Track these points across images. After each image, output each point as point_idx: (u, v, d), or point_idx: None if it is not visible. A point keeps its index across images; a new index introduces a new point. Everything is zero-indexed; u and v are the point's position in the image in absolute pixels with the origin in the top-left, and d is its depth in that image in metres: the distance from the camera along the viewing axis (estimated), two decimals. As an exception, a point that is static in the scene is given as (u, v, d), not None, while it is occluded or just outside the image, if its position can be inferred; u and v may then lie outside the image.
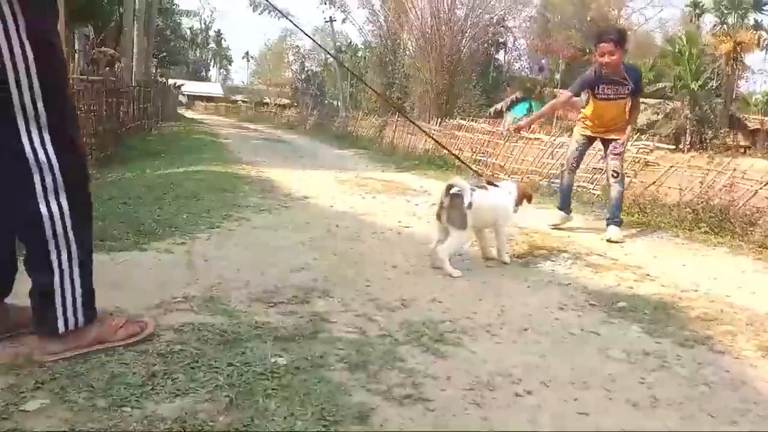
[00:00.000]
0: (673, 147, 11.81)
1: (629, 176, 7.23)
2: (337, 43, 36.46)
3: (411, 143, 14.45)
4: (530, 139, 10.31)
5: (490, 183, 4.23)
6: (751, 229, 5.50)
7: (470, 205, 3.70)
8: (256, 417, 1.81)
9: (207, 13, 77.52)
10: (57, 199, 2.03)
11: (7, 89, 1.93)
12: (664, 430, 2.01)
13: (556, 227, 5.56)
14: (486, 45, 26.40)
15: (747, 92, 41.68)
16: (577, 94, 5.41)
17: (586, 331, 2.87)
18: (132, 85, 15.20)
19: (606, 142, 5.45)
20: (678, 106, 30.21)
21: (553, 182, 8.70)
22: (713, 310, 3.31)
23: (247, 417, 1.80)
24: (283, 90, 49.52)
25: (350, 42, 46.16)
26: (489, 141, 11.42)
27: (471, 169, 5.54)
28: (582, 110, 5.65)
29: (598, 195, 7.77)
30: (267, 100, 47.54)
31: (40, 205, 2.00)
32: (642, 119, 26.98)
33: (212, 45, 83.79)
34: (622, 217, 5.42)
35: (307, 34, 5.34)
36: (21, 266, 2.18)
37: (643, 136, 10.99)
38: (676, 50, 31.40)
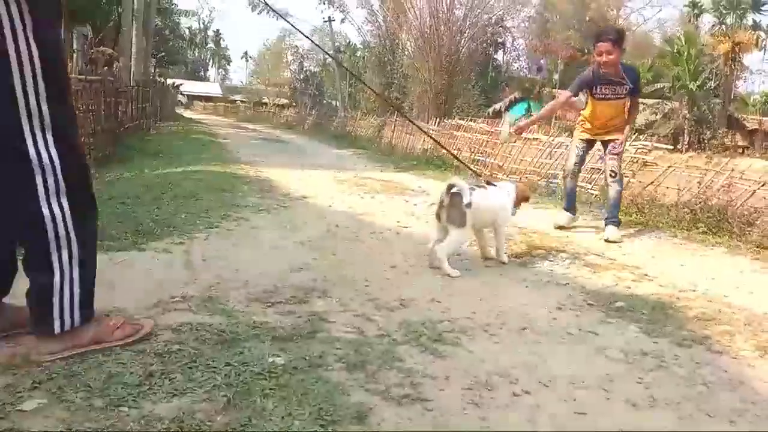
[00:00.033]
0: (672, 147, 11.83)
1: (627, 176, 7.23)
2: (336, 43, 36.47)
3: (410, 143, 14.46)
4: (529, 139, 10.31)
5: (488, 183, 4.23)
6: (749, 229, 5.51)
7: (469, 204, 3.71)
8: (254, 417, 1.81)
9: (206, 12, 77.56)
10: (58, 200, 2.02)
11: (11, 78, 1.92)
12: (662, 430, 2.01)
13: (561, 228, 5.57)
14: (485, 45, 26.41)
15: (745, 92, 41.73)
16: (576, 94, 5.41)
17: (584, 330, 2.87)
18: (130, 85, 15.17)
19: (605, 143, 5.45)
20: (676, 106, 30.23)
21: (551, 182, 8.71)
22: (711, 310, 3.31)
23: (244, 417, 1.80)
24: (281, 90, 49.53)
25: (349, 42, 46.19)
26: (487, 141, 11.42)
27: (470, 169, 5.54)
28: (581, 112, 5.66)
29: (596, 195, 7.78)
30: (266, 100, 47.54)
31: (42, 206, 1.99)
32: (640, 119, 26.97)
33: (211, 45, 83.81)
34: (620, 217, 5.42)
35: (305, 35, 5.34)
36: (19, 266, 2.17)
37: (641, 136, 11.01)
38: (675, 50, 31.43)
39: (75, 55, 14.53)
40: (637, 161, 8.07)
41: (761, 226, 5.47)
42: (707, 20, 45.01)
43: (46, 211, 2.00)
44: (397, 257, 4.07)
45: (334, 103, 39.59)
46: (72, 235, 2.05)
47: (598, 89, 5.26)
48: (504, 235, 4.16)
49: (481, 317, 2.94)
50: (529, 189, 4.52)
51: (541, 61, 38.22)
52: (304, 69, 49.56)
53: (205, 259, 3.58)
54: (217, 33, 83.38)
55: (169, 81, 30.64)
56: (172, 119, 25.59)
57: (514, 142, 10.39)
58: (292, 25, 4.90)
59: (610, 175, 5.38)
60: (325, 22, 34.97)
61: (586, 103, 5.51)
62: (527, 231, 5.19)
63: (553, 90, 30.17)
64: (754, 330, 3.02)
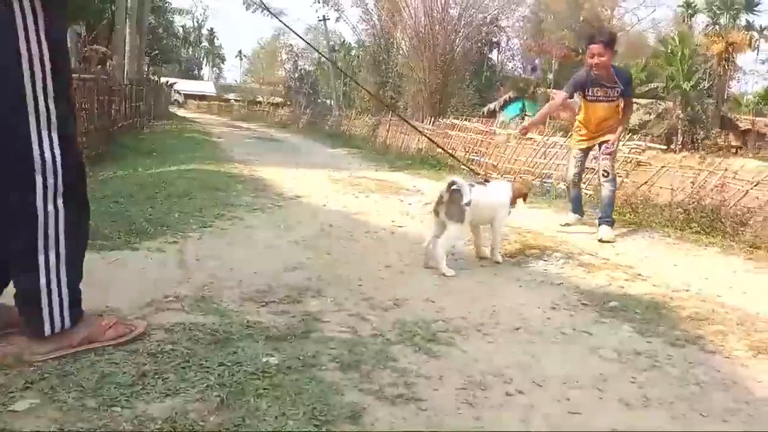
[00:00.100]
0: (665, 147, 11.85)
1: (621, 176, 7.25)
2: (331, 42, 36.42)
3: (404, 143, 14.46)
4: (523, 139, 10.33)
5: (486, 181, 4.25)
6: (742, 229, 5.53)
7: (469, 203, 3.73)
8: (247, 417, 1.80)
9: (200, 11, 77.39)
10: (55, 200, 2.01)
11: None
12: (656, 429, 2.01)
13: (567, 225, 5.66)
14: (479, 44, 26.40)
15: (738, 93, 41.83)
16: (571, 95, 5.46)
17: (578, 330, 2.88)
18: (124, 84, 15.12)
19: (600, 145, 5.47)
20: (670, 106, 30.31)
21: (545, 182, 8.73)
22: (704, 309, 3.32)
23: (238, 417, 1.79)
24: (276, 89, 49.41)
25: (344, 41, 46.16)
26: (482, 141, 11.44)
27: (467, 167, 5.56)
28: (576, 117, 5.70)
29: (590, 195, 7.79)
30: (260, 98, 47.43)
31: (38, 206, 1.98)
32: (634, 119, 27.01)
33: (205, 43, 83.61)
34: (614, 216, 5.44)
35: (299, 35, 5.32)
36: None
37: (635, 136, 11.04)
38: (669, 50, 31.52)
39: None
40: (630, 161, 8.09)
41: (754, 226, 5.49)
42: (701, 20, 45.23)
43: (41, 210, 1.99)
44: (392, 257, 4.07)
45: (328, 102, 39.56)
46: (61, 236, 2.04)
47: (590, 91, 5.30)
48: (500, 233, 4.17)
49: (475, 317, 2.94)
50: (526, 186, 4.54)
51: (536, 61, 38.30)
52: (299, 68, 49.42)
53: (198, 259, 3.57)
54: (211, 31, 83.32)
55: (163, 79, 30.54)
56: (166, 118, 25.51)
57: (509, 142, 10.44)
58: (285, 25, 4.87)
59: (603, 174, 5.40)
60: (320, 20, 34.94)
61: (580, 107, 5.54)
62: (521, 230, 5.19)
63: (548, 90, 30.23)
64: (747, 330, 3.03)
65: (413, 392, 2.08)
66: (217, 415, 1.80)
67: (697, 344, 2.79)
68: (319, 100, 43.71)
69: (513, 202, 4.22)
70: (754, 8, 44.03)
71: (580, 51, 30.65)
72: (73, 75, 8.46)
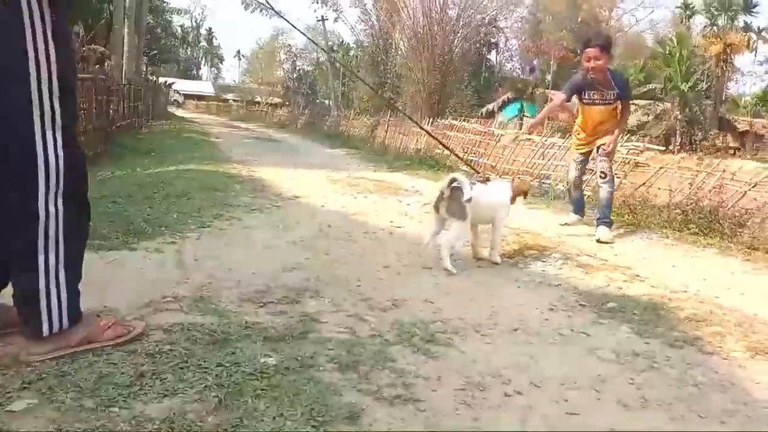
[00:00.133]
0: (663, 148, 11.85)
1: (619, 177, 7.26)
2: (329, 43, 36.40)
3: (403, 143, 14.46)
4: (521, 139, 10.36)
5: (486, 180, 4.27)
6: (740, 230, 5.54)
7: (470, 199, 3.75)
8: (246, 417, 1.80)
9: (198, 11, 77.33)
10: (56, 200, 2.01)
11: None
12: (654, 430, 2.02)
13: (566, 225, 5.74)
14: (478, 45, 26.43)
15: (736, 94, 41.92)
16: (569, 98, 5.49)
17: (576, 331, 2.88)
18: (122, 83, 15.10)
19: (598, 148, 5.48)
20: (668, 107, 30.34)
21: (543, 183, 8.74)
22: (702, 311, 3.32)
23: (236, 417, 1.79)
24: (274, 89, 49.36)
25: (342, 41, 46.09)
26: (480, 141, 11.44)
27: (468, 165, 5.57)
28: (575, 121, 5.75)
29: (588, 196, 7.79)
30: (258, 99, 47.39)
31: (39, 206, 1.98)
32: (632, 120, 27.03)
33: (203, 43, 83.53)
34: (612, 217, 5.45)
35: (304, 34, 5.32)
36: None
37: (633, 137, 11.05)
38: (667, 52, 31.53)
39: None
40: (628, 162, 8.10)
41: (752, 228, 5.50)
42: (699, 22, 45.27)
43: (42, 210, 1.98)
44: (390, 257, 4.07)
45: (326, 102, 39.53)
46: (61, 236, 2.03)
47: (587, 94, 5.34)
48: (500, 233, 4.18)
49: (474, 318, 2.94)
50: (526, 184, 4.58)
51: (534, 62, 38.28)
52: (297, 68, 49.42)
53: (197, 259, 3.57)
54: (210, 31, 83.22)
55: (161, 79, 30.51)
56: (164, 118, 25.51)
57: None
58: (291, 24, 4.87)
59: (601, 176, 5.43)
60: (318, 21, 34.92)
61: (578, 110, 5.58)
62: (520, 231, 5.19)
63: (546, 90, 30.24)
64: (745, 331, 3.03)
65: (411, 393, 2.08)
66: (215, 416, 1.80)
67: (695, 345, 2.79)
68: (317, 101, 43.68)
69: (514, 200, 4.23)
70: (752, 10, 44.12)
71: (579, 52, 30.69)
72: (72, 75, 8.53)
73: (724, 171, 6.85)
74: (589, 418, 2.04)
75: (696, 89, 31.03)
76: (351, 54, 41.46)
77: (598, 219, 5.37)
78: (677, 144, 27.39)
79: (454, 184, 3.80)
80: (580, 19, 40.88)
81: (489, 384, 2.22)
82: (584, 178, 6.12)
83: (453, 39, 19.92)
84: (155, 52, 38.83)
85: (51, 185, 1.99)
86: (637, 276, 4.05)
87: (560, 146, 9.28)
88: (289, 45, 49.87)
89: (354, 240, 4.53)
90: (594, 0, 42.72)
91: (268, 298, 2.93)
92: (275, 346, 2.35)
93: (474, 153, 11.29)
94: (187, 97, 57.30)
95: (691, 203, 6.30)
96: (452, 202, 3.81)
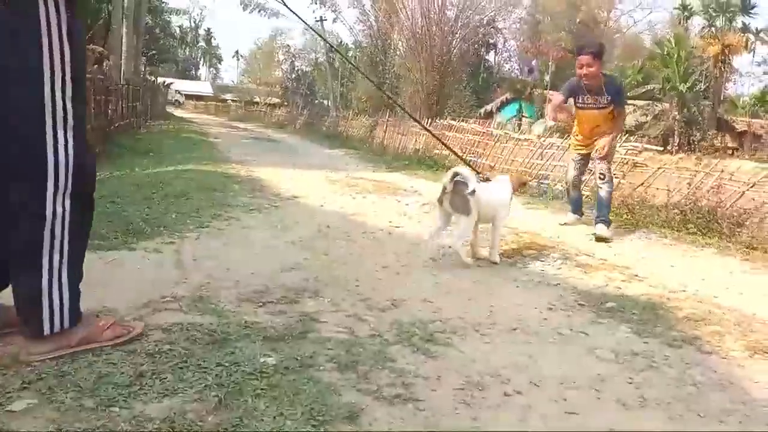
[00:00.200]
0: (662, 148, 11.85)
1: (617, 177, 7.27)
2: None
3: (401, 143, 14.47)
4: (520, 140, 10.38)
5: (486, 179, 4.29)
6: (738, 230, 5.55)
7: (473, 192, 3.81)
8: (245, 417, 1.80)
9: (197, 11, 77.27)
10: (63, 200, 2.01)
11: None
12: (653, 430, 2.02)
13: (565, 225, 5.80)
14: (476, 46, 26.43)
15: (735, 94, 41.86)
16: (566, 100, 5.57)
17: (575, 331, 2.88)
18: (121, 83, 15.10)
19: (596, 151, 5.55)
20: (666, 107, 30.33)
21: (542, 183, 8.75)
22: (701, 310, 3.33)
23: (236, 417, 1.79)
24: (273, 89, 49.36)
25: (341, 42, 46.05)
26: (479, 141, 11.45)
27: (467, 165, 5.57)
28: (574, 122, 5.81)
29: (587, 196, 7.80)
30: (257, 99, 47.39)
31: (47, 206, 1.97)
32: (631, 121, 27.03)
33: (202, 43, 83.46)
34: (610, 217, 5.49)
35: (318, 33, 5.30)
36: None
37: (631, 138, 11.05)
38: (665, 52, 31.51)
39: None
40: (627, 162, 8.11)
41: (750, 227, 5.51)
42: (697, 22, 45.21)
43: (49, 210, 1.98)
44: (389, 257, 4.07)
45: (325, 102, 39.52)
46: (66, 236, 2.03)
47: (581, 99, 5.45)
48: (500, 233, 4.20)
49: (473, 317, 2.94)
50: (524, 176, 4.66)
51: (533, 63, 38.32)
52: (296, 68, 49.42)
53: (195, 259, 3.57)
54: (208, 32, 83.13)
55: (160, 79, 30.49)
56: (163, 118, 25.49)
57: (506, 142, 10.48)
58: (304, 21, 4.84)
59: (600, 177, 5.51)
60: (317, 21, 34.90)
61: (574, 114, 5.66)
62: (519, 231, 5.20)
63: (545, 91, 30.24)
64: (743, 330, 3.04)
65: (411, 392, 2.08)
66: (215, 415, 1.80)
67: (694, 345, 2.80)
68: (316, 101, 43.66)
69: (515, 191, 4.31)
70: (750, 11, 44.13)
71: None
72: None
73: (722, 171, 6.86)
74: (588, 418, 2.04)
75: (694, 90, 31.02)
76: (350, 54, 41.44)
77: (596, 218, 5.41)
78: (675, 144, 27.38)
79: (457, 178, 3.84)
80: (578, 20, 40.91)
81: (488, 383, 2.22)
82: (583, 178, 6.14)
83: (451, 40, 19.89)
84: (154, 52, 38.81)
85: (60, 185, 1.99)
86: (636, 276, 4.05)
87: (559, 146, 9.30)
88: (288, 45, 49.93)
89: (353, 240, 4.53)
90: (592, 1, 42.74)
91: (267, 298, 2.94)
92: (274, 345, 2.35)
93: (473, 153, 11.30)
94: (186, 97, 57.30)
95: (690, 203, 6.31)
96: (456, 196, 3.86)
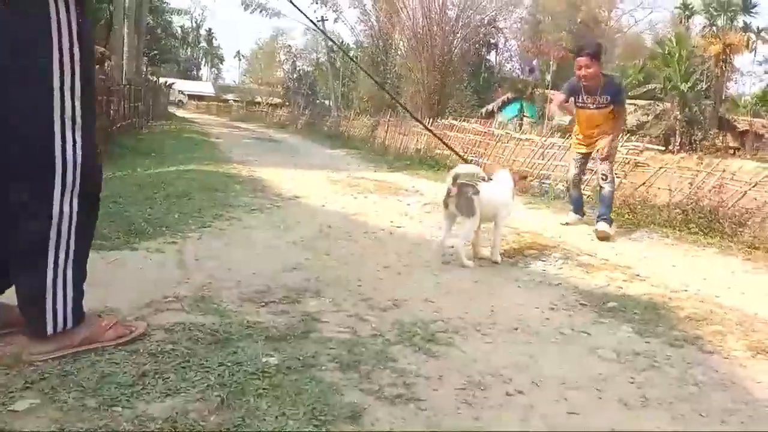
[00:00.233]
0: (663, 148, 11.85)
1: (619, 177, 7.27)
2: (329, 43, 36.41)
3: (403, 143, 14.46)
4: (521, 139, 10.38)
5: (487, 178, 4.31)
6: (740, 229, 5.54)
7: (477, 192, 3.88)
8: (248, 417, 1.80)
9: (198, 11, 77.32)
10: (70, 199, 2.01)
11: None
12: (655, 429, 2.02)
13: (567, 225, 5.82)
14: (477, 46, 26.37)
15: (736, 94, 41.83)
16: (567, 99, 5.60)
17: (576, 331, 2.88)
18: (122, 84, 15.10)
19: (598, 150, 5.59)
20: (668, 107, 30.31)
21: (543, 182, 8.74)
22: (703, 310, 3.33)
23: (238, 417, 1.80)
24: (274, 89, 49.33)
25: (342, 42, 46.04)
26: (480, 141, 11.44)
27: (467, 162, 5.58)
28: (575, 121, 5.84)
29: (588, 196, 7.80)
30: (258, 99, 47.39)
31: (54, 205, 1.98)
32: (632, 120, 27.05)
33: (203, 44, 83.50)
34: (612, 217, 5.52)
35: (323, 32, 5.30)
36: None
37: (633, 137, 11.05)
38: (666, 52, 31.48)
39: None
40: (628, 162, 8.10)
41: (752, 227, 5.51)
42: (698, 22, 45.18)
43: (56, 209, 1.98)
44: (391, 257, 4.07)
45: (327, 102, 39.49)
46: (72, 235, 2.03)
47: (581, 98, 5.49)
48: (501, 232, 4.22)
49: (474, 317, 2.94)
50: (522, 170, 4.72)
51: (534, 63, 38.27)
52: (297, 68, 49.39)
53: (197, 259, 3.57)
54: (210, 32, 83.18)
55: (161, 80, 30.50)
56: (165, 118, 25.51)
57: (507, 142, 10.49)
58: (313, 22, 4.86)
59: (602, 178, 5.58)
60: (318, 21, 34.91)
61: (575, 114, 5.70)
62: (520, 231, 5.20)
63: (546, 91, 30.22)
64: (745, 330, 3.04)
65: (413, 392, 2.08)
66: (218, 415, 1.80)
67: (696, 344, 2.80)
68: (317, 101, 43.63)
69: (516, 185, 4.35)
70: (751, 10, 44.09)
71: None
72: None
73: (724, 171, 6.85)
74: (589, 418, 2.04)
75: (695, 89, 30.99)
76: (351, 54, 41.39)
77: (598, 216, 5.44)
78: (677, 144, 27.37)
79: (461, 180, 3.90)
80: (579, 20, 40.89)
81: (490, 383, 2.22)
82: (584, 177, 6.15)
83: (452, 39, 19.89)
84: (155, 52, 38.83)
85: (67, 184, 1.99)
86: (638, 275, 4.05)
87: (560, 146, 9.29)
88: (289, 45, 49.89)
89: (354, 240, 4.54)
90: (593, 1, 42.71)
91: (269, 298, 2.94)
92: (277, 345, 2.36)
93: (474, 153, 11.29)
94: (188, 97, 57.33)
95: (691, 203, 6.30)
96: (460, 198, 3.88)
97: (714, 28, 41.51)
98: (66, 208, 2.00)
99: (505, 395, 2.14)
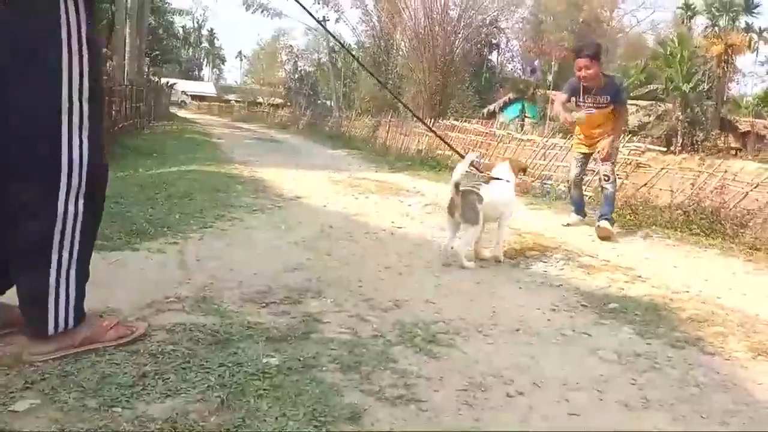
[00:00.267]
0: (665, 149, 11.83)
1: (621, 178, 7.27)
2: (331, 43, 36.43)
3: (404, 144, 14.46)
4: (522, 140, 10.38)
5: (489, 178, 4.34)
6: (741, 230, 5.54)
7: (481, 199, 3.93)
8: (248, 417, 1.80)
9: (200, 12, 77.39)
10: (76, 200, 2.01)
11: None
12: (656, 430, 2.02)
13: (568, 226, 5.83)
14: (479, 46, 26.42)
15: (738, 94, 41.76)
16: (568, 99, 5.60)
17: (577, 332, 2.88)
18: (124, 84, 15.12)
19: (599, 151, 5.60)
20: (669, 108, 30.28)
21: (545, 183, 8.74)
22: (704, 311, 3.32)
23: (238, 417, 1.79)
24: (276, 90, 49.39)
25: (344, 42, 46.09)
26: (482, 142, 11.44)
27: (471, 165, 5.59)
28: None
29: (589, 197, 7.80)
30: (260, 99, 47.44)
31: (59, 204, 1.98)
32: (634, 121, 27.03)
33: (205, 44, 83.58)
34: (613, 217, 5.53)
35: (329, 32, 5.32)
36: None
37: (634, 138, 11.05)
38: (668, 52, 31.46)
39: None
40: (630, 163, 8.10)
41: (754, 228, 5.50)
42: (700, 22, 45.12)
43: (61, 209, 1.98)
44: (392, 258, 4.07)
45: (328, 103, 39.51)
46: (77, 236, 2.03)
47: (581, 98, 5.49)
48: (505, 230, 4.28)
49: (475, 318, 2.94)
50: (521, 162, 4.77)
51: (535, 63, 38.31)
52: (299, 69, 49.44)
53: (199, 260, 3.57)
54: (211, 32, 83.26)
55: (163, 80, 30.53)
56: (166, 119, 25.54)
57: (508, 143, 10.48)
58: (320, 23, 4.88)
59: (604, 179, 5.59)
60: (320, 22, 34.88)
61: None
62: (521, 232, 5.19)
63: (547, 91, 30.22)
64: (746, 331, 3.03)
65: (413, 393, 2.08)
66: (218, 416, 1.80)
67: (697, 346, 2.79)
68: (319, 101, 43.66)
69: (517, 175, 4.42)
70: (753, 10, 44.02)
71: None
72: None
73: (725, 172, 6.84)
74: (590, 419, 2.04)
75: (697, 90, 30.97)
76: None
77: (600, 216, 5.45)
78: (679, 145, 27.34)
79: (464, 188, 3.93)
80: (581, 20, 40.87)
81: (491, 384, 2.22)
82: (585, 178, 6.15)
83: (454, 40, 19.90)
84: (157, 52, 38.83)
85: (73, 185, 1.99)
86: (639, 276, 4.05)
87: (561, 147, 9.29)
88: (291, 46, 49.97)
89: (355, 240, 4.54)
90: (595, 1, 42.68)
91: (270, 299, 2.94)
92: (277, 346, 2.36)
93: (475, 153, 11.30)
94: (190, 98, 57.40)
95: (693, 204, 6.30)
96: (465, 207, 3.91)
97: (716, 28, 41.45)
98: (71, 208, 2.01)
99: (506, 396, 2.14)
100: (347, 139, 18.90)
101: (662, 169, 7.59)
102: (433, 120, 14.71)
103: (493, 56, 41.24)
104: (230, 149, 13.13)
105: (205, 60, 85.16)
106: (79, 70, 1.95)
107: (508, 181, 4.29)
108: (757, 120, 31.51)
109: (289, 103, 42.41)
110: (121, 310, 2.56)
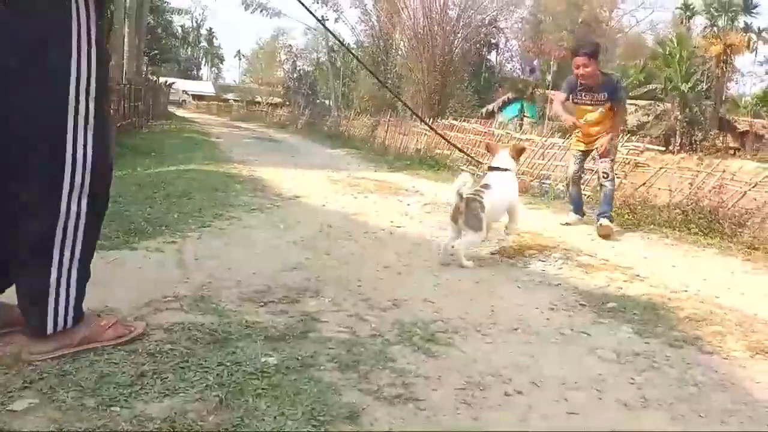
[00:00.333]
0: (663, 148, 11.84)
1: (619, 177, 7.28)
2: (330, 43, 36.42)
3: (403, 143, 14.46)
4: (521, 139, 10.37)
5: (489, 168, 4.43)
6: (740, 230, 5.54)
7: (484, 207, 3.96)
8: (246, 417, 1.80)
9: (198, 11, 77.32)
10: (79, 199, 2.01)
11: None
12: (654, 430, 2.02)
13: (567, 225, 5.84)
14: (478, 46, 26.41)
15: (737, 94, 41.71)
16: (568, 97, 5.63)
17: (576, 331, 2.88)
18: (122, 83, 15.11)
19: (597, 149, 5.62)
20: (668, 107, 30.29)
21: (543, 183, 8.74)
22: (702, 310, 3.32)
23: (236, 417, 1.79)
24: (274, 89, 49.33)
25: (343, 41, 46.05)
26: (481, 141, 11.43)
27: (471, 158, 5.61)
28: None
29: (588, 196, 7.80)
30: (259, 99, 47.41)
31: (62, 203, 1.98)
32: (632, 120, 27.05)
33: (204, 43, 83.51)
34: (612, 215, 5.54)
35: (330, 31, 5.31)
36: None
37: (633, 138, 11.05)
38: (667, 52, 31.46)
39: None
40: (629, 162, 8.10)
41: (752, 228, 5.51)
42: (699, 22, 45.09)
43: (64, 208, 1.98)
44: (391, 257, 4.07)
45: (327, 102, 39.50)
46: (80, 235, 2.03)
47: (579, 96, 5.53)
48: (518, 214, 4.45)
49: (474, 317, 2.94)
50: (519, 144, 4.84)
51: (534, 63, 38.26)
52: (298, 68, 49.38)
53: (197, 259, 3.57)
54: (210, 31, 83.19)
55: (162, 79, 30.50)
56: (165, 118, 25.53)
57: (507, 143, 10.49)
58: (324, 25, 4.88)
59: (603, 176, 5.59)
60: (319, 20, 34.85)
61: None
62: (520, 231, 5.18)
63: (546, 91, 30.21)
64: (745, 331, 3.04)
65: (412, 392, 2.08)
66: (216, 415, 1.80)
67: (696, 345, 2.80)
68: (317, 101, 43.62)
69: (517, 159, 4.51)
70: (752, 10, 44.03)
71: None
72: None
73: (724, 171, 6.85)
74: (589, 418, 2.04)
75: (696, 90, 30.97)
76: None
77: (599, 214, 5.47)
78: (677, 144, 27.35)
79: (468, 195, 3.96)
80: (580, 20, 40.86)
81: (489, 383, 2.22)
82: (584, 177, 6.16)
83: (453, 39, 19.89)
84: (156, 52, 38.73)
85: (76, 184, 1.99)
86: (638, 276, 4.05)
87: (560, 146, 9.29)
88: (290, 45, 49.86)
89: (354, 240, 4.54)
90: (594, 1, 42.68)
91: (269, 298, 2.94)
92: (276, 345, 2.35)
93: (474, 153, 11.29)
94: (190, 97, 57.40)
95: (692, 203, 6.30)
96: (469, 215, 3.93)
97: (715, 28, 41.46)
98: (74, 207, 2.00)
99: (504, 395, 2.14)
100: (346, 138, 18.90)
101: (661, 168, 7.60)
102: (432, 120, 14.71)
103: (492, 56, 41.23)
104: (229, 148, 13.12)
105: (204, 59, 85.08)
106: (87, 70, 1.95)
107: (508, 169, 4.35)
108: (755, 120, 31.53)
109: (287, 103, 42.37)
110: (120, 310, 2.56)
